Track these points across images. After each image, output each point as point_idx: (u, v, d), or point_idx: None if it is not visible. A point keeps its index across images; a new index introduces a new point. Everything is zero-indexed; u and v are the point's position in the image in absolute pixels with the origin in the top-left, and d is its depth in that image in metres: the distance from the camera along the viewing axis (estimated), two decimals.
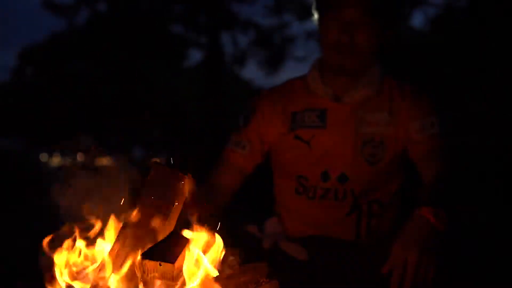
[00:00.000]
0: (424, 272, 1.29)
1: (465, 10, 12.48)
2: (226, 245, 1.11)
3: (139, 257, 1.06)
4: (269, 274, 1.06)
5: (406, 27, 14.85)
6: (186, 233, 1.13)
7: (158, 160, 1.21)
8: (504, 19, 10.66)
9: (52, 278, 1.11)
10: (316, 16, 1.72)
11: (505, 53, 10.40)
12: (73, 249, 1.14)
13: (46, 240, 1.13)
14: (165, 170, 1.18)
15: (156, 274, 1.05)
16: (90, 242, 1.16)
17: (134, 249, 1.11)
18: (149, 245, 1.10)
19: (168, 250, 1.08)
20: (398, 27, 2.11)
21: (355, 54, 1.62)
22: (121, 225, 1.14)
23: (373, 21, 1.61)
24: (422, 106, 1.67)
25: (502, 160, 7.85)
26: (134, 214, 1.14)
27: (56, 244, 1.14)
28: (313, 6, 1.72)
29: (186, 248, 1.07)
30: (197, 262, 1.08)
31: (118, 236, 1.13)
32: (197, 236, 1.11)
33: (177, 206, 1.17)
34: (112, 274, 1.09)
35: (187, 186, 1.18)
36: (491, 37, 10.33)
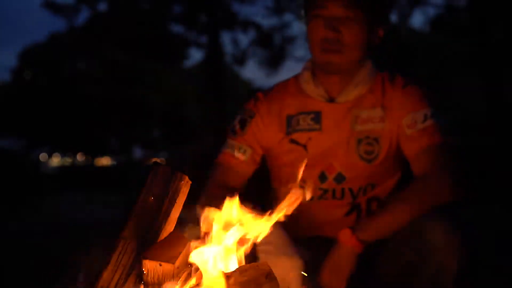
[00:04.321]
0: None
1: (465, 10, 12.48)
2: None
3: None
4: (269, 274, 1.06)
5: (406, 27, 14.87)
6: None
7: (158, 160, 1.21)
8: (504, 19, 10.67)
9: None
10: (304, 18, 1.69)
11: (505, 52, 10.41)
12: None
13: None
14: (165, 170, 1.17)
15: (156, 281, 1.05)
16: None
17: (134, 249, 1.11)
18: (149, 246, 1.10)
19: (168, 250, 1.08)
20: (388, 24, 2.10)
21: (342, 50, 1.59)
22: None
23: (359, 16, 1.58)
24: (413, 99, 1.63)
25: (502, 160, 7.85)
26: (134, 215, 1.14)
27: None
28: (302, 9, 1.70)
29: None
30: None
31: (120, 239, 1.13)
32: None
33: (177, 206, 1.17)
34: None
35: (187, 186, 1.18)
36: (491, 37, 10.34)
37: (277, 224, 1.63)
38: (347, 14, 1.57)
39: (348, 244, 1.50)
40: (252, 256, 1.16)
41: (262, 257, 1.41)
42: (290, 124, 1.69)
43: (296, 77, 1.75)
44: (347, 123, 1.65)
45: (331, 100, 1.67)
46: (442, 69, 15.46)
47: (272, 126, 1.71)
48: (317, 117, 1.67)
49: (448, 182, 1.53)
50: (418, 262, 1.46)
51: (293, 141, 1.68)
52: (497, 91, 10.10)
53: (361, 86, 1.66)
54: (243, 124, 1.72)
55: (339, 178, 1.65)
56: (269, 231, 1.39)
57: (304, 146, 1.67)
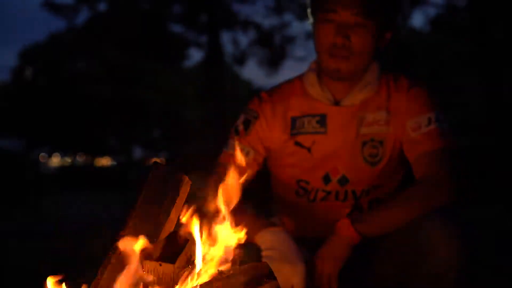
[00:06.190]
0: (327, 275, 1.49)
1: (465, 10, 12.49)
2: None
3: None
4: (269, 274, 1.06)
5: (406, 27, 14.87)
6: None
7: (158, 160, 1.21)
8: (504, 19, 10.67)
9: None
10: (311, 19, 1.69)
11: (505, 52, 10.41)
12: None
13: None
14: (165, 170, 1.17)
15: (155, 279, 1.04)
16: None
17: (134, 249, 1.10)
18: (149, 246, 1.10)
19: (168, 250, 1.07)
20: (395, 29, 2.09)
21: (351, 57, 1.59)
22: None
23: (370, 23, 1.58)
24: (418, 102, 1.63)
25: (502, 160, 7.86)
26: (134, 215, 1.14)
27: None
28: (308, 9, 1.68)
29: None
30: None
31: (119, 238, 1.13)
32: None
33: (177, 206, 1.17)
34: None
35: (187, 186, 1.18)
36: (491, 37, 10.34)
37: (281, 228, 1.63)
38: (357, 21, 1.56)
39: (345, 234, 1.49)
40: (255, 260, 1.16)
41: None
42: (295, 126, 1.68)
43: (301, 78, 1.74)
44: (352, 126, 1.64)
45: (336, 103, 1.66)
46: (442, 69, 15.46)
47: (276, 127, 1.70)
48: (322, 120, 1.66)
49: (449, 185, 1.53)
50: (418, 262, 1.46)
51: (297, 144, 1.67)
52: (497, 91, 10.10)
53: (367, 89, 1.65)
54: (247, 125, 1.71)
55: (343, 181, 1.65)
56: (274, 237, 1.39)
57: (309, 149, 1.66)
